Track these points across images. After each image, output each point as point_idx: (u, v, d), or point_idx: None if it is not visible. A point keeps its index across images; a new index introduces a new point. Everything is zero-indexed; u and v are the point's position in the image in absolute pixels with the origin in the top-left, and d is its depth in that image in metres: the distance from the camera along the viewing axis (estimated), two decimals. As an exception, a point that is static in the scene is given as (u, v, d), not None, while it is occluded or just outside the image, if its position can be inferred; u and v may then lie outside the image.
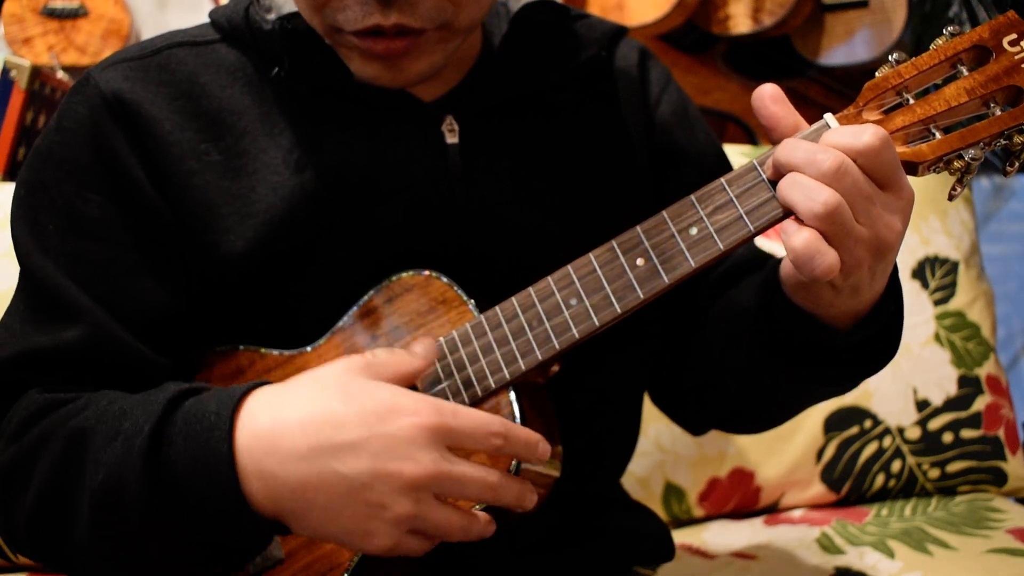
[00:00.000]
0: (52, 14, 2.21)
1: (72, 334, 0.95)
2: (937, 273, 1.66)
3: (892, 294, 0.91)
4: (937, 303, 1.64)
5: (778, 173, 0.82)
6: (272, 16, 1.00)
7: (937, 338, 1.63)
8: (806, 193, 0.79)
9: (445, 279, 0.97)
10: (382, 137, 1.01)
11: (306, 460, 0.79)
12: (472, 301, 0.96)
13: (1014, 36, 0.81)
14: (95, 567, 0.90)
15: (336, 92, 1.01)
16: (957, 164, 0.80)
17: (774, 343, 0.95)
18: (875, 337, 0.93)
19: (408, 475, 0.78)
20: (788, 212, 0.82)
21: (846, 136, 0.80)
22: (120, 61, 1.02)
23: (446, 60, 0.98)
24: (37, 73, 1.90)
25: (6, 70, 1.86)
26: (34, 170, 1.01)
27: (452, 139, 1.02)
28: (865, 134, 0.79)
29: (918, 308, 1.64)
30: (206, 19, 1.09)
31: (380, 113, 1.02)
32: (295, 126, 1.01)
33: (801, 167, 0.80)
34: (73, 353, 0.95)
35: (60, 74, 2.09)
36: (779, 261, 0.92)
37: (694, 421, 1.22)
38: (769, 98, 0.85)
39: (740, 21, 2.23)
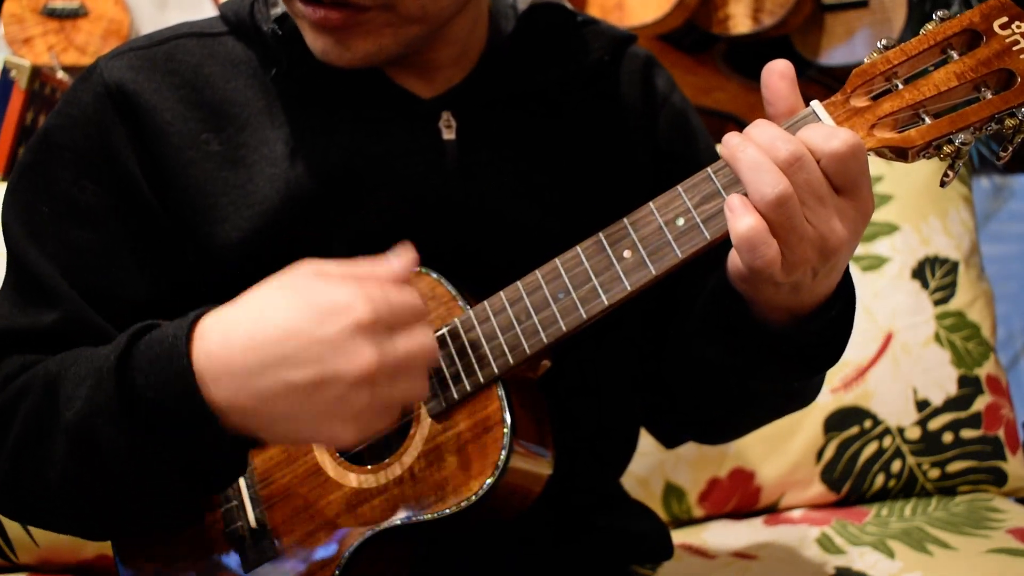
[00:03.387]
0: (52, 14, 2.22)
1: (50, 318, 0.97)
2: (937, 273, 1.65)
3: (838, 298, 0.90)
4: (937, 303, 1.64)
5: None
6: (277, 11, 1.01)
7: (937, 338, 1.63)
8: (758, 174, 0.79)
9: (434, 275, 0.97)
10: (380, 133, 1.02)
11: (257, 375, 0.80)
12: (461, 297, 0.96)
13: (1005, 19, 0.80)
14: (70, 510, 0.92)
15: (335, 89, 1.01)
16: (947, 149, 0.80)
17: (714, 334, 0.96)
18: (817, 337, 0.93)
19: (355, 372, 0.78)
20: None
21: (819, 135, 0.80)
22: (128, 50, 1.04)
23: (401, 47, 0.97)
24: (37, 73, 1.91)
25: (6, 70, 1.87)
26: (33, 153, 1.02)
27: (449, 135, 1.03)
28: (837, 139, 0.79)
29: (918, 308, 1.64)
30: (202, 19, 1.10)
31: (379, 110, 1.02)
32: (295, 120, 1.01)
33: (762, 148, 0.80)
34: (50, 335, 0.97)
35: (60, 74, 2.09)
36: None
37: (667, 431, 1.23)
38: (778, 73, 0.85)
39: (740, 21, 2.23)
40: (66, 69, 2.17)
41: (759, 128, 0.82)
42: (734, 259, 0.88)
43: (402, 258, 0.85)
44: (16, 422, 0.91)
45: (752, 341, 0.93)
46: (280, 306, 0.81)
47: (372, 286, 0.81)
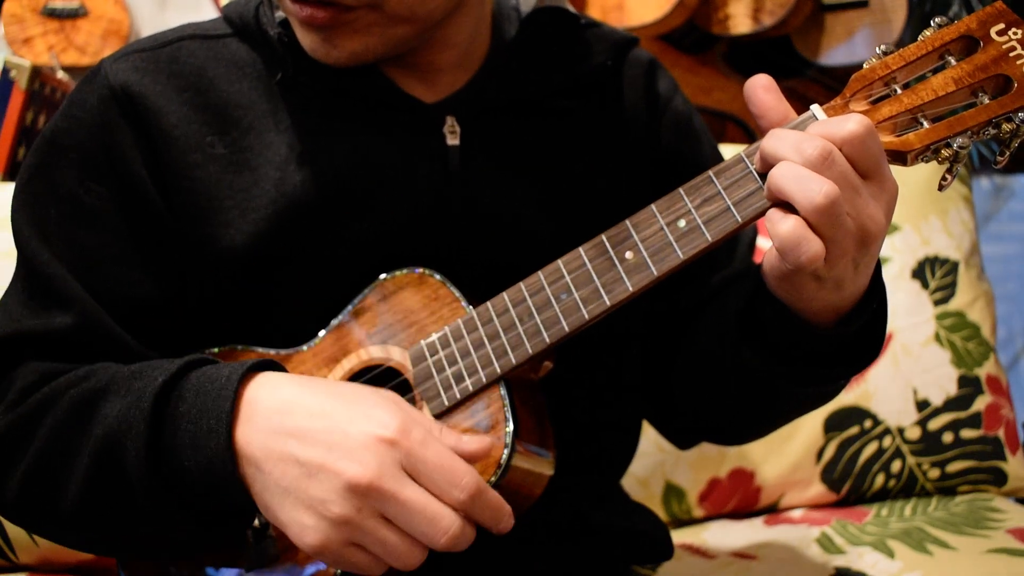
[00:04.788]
0: (52, 14, 2.22)
1: (62, 321, 0.97)
2: (937, 273, 1.65)
3: (875, 292, 0.90)
4: (937, 303, 1.64)
5: (766, 164, 0.82)
6: (282, 14, 1.01)
7: (937, 338, 1.63)
8: (803, 184, 0.78)
9: (438, 276, 0.97)
10: (384, 137, 1.02)
11: (274, 437, 0.83)
12: (464, 298, 0.96)
13: (1002, 26, 0.81)
14: (80, 531, 0.93)
15: (340, 93, 1.01)
16: (945, 152, 0.80)
17: (756, 341, 0.95)
18: (857, 335, 0.92)
19: (349, 475, 0.80)
20: (775, 203, 0.82)
21: (830, 125, 0.80)
22: (132, 52, 1.04)
23: (390, 47, 0.97)
24: (37, 73, 1.91)
25: (6, 70, 1.87)
26: (39, 155, 1.02)
27: (453, 141, 1.03)
28: (849, 122, 0.79)
29: (918, 308, 1.64)
30: (206, 19, 1.10)
31: (382, 114, 1.02)
32: (300, 124, 1.01)
33: (788, 156, 0.79)
34: (62, 339, 0.97)
35: (60, 74, 2.09)
36: (757, 270, 0.92)
37: (681, 433, 1.22)
38: (761, 87, 0.85)
39: (740, 21, 2.23)
40: (66, 69, 2.18)
41: (778, 139, 0.81)
42: (772, 266, 0.87)
43: (479, 448, 0.88)
44: (40, 435, 0.91)
45: (801, 347, 0.92)
46: (331, 393, 0.85)
47: (424, 424, 0.84)
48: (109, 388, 0.90)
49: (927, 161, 0.81)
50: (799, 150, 0.79)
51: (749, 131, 2.38)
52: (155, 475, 0.85)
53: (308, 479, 0.81)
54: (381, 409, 0.83)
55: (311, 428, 0.83)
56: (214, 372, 0.88)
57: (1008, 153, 0.80)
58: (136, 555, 1.00)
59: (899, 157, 0.82)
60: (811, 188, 0.78)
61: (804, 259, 0.79)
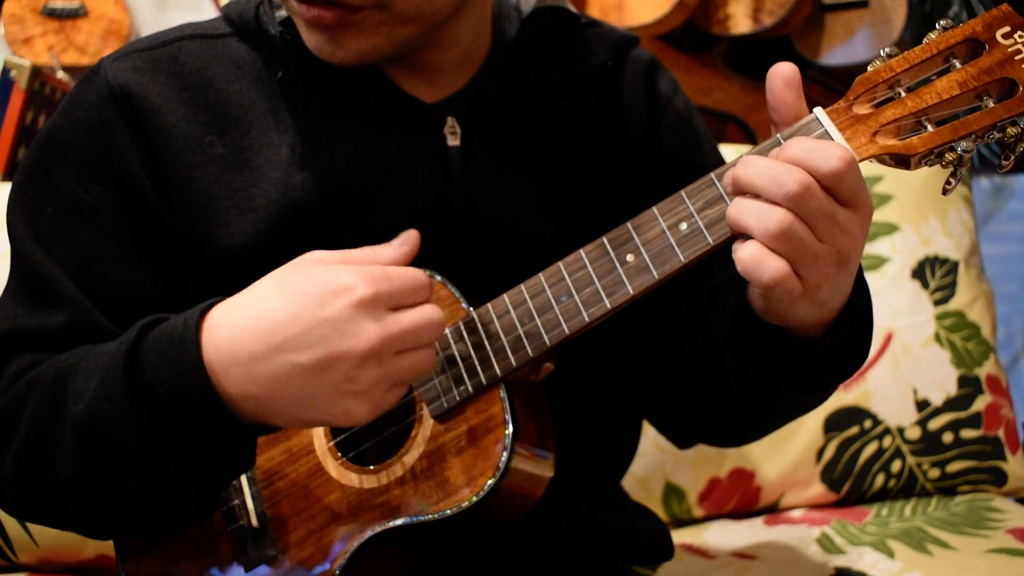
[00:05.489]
0: (52, 14, 2.22)
1: (56, 320, 0.97)
2: (937, 273, 1.65)
3: (859, 297, 0.91)
4: (937, 303, 1.64)
5: (739, 192, 0.82)
6: (282, 13, 1.01)
7: (937, 338, 1.63)
8: (760, 215, 0.79)
9: (439, 277, 0.97)
10: (384, 138, 1.02)
11: (266, 360, 0.82)
12: (464, 299, 0.96)
13: (1007, 29, 0.80)
14: (81, 506, 0.93)
15: (340, 93, 1.01)
16: (949, 156, 0.80)
17: (749, 355, 0.96)
18: (846, 340, 0.93)
19: (360, 349, 0.81)
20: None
21: (812, 157, 0.79)
22: (131, 52, 1.04)
23: (396, 47, 0.97)
24: (37, 73, 1.91)
25: (6, 70, 1.87)
26: (37, 154, 1.02)
27: (454, 141, 1.03)
28: (832, 159, 0.79)
29: (918, 308, 1.64)
30: (206, 19, 1.10)
31: (383, 114, 1.02)
32: (300, 124, 1.01)
33: (767, 188, 0.79)
34: (56, 337, 0.97)
35: (60, 74, 2.09)
36: None
37: (681, 433, 1.22)
38: (783, 79, 0.85)
39: (740, 21, 2.23)
40: (66, 69, 2.17)
41: (753, 168, 0.81)
42: (755, 298, 0.88)
43: (405, 243, 0.88)
44: (24, 418, 0.92)
45: (794, 358, 0.93)
46: (283, 292, 0.84)
47: (372, 266, 0.84)
48: (79, 365, 0.90)
49: (931, 165, 0.81)
50: (778, 183, 0.79)
51: (749, 131, 2.38)
52: (144, 439, 0.85)
53: (323, 374, 0.82)
54: (333, 275, 0.83)
55: (293, 333, 0.82)
56: (169, 326, 0.87)
57: (1013, 157, 0.80)
58: (140, 527, 1.00)
59: (903, 161, 0.81)
60: (766, 218, 0.79)
61: (765, 279, 0.80)
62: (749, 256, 0.80)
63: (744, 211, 0.80)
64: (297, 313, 0.82)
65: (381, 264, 0.86)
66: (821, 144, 0.80)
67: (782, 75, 0.85)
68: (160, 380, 0.84)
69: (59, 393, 0.90)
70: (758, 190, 0.80)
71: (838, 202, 0.80)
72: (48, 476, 0.90)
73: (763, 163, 0.80)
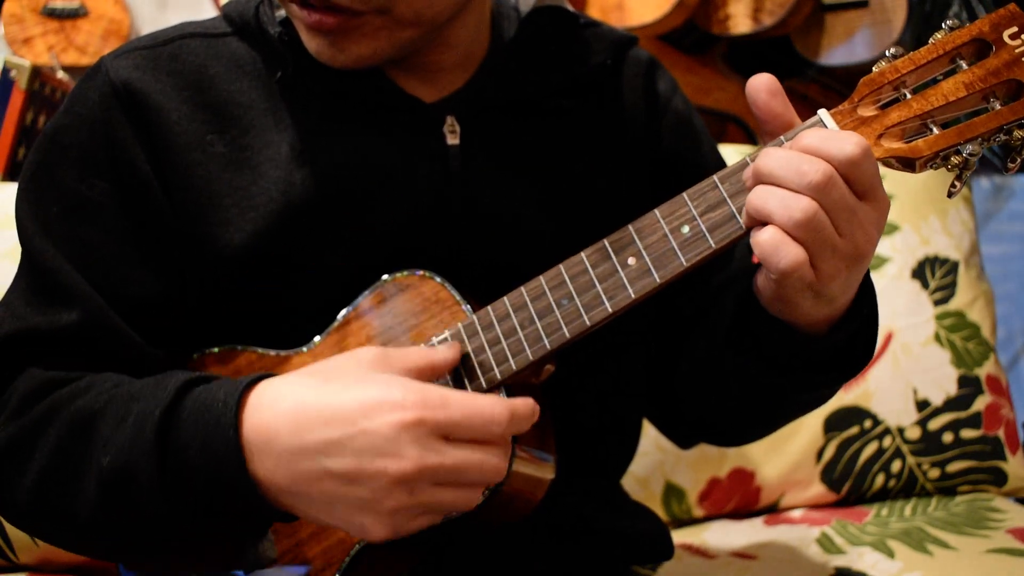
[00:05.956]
0: (52, 14, 2.21)
1: (68, 318, 0.96)
2: (937, 273, 1.65)
3: (865, 296, 0.91)
4: (937, 303, 1.64)
5: (759, 183, 0.82)
6: (282, 13, 1.01)
7: (937, 338, 1.63)
8: (783, 202, 0.79)
9: (439, 279, 0.97)
10: (384, 137, 1.02)
11: (297, 457, 0.81)
12: (465, 301, 0.96)
13: (1015, 29, 0.80)
14: (100, 544, 0.93)
15: (340, 93, 1.01)
16: (955, 160, 0.80)
17: (753, 353, 0.96)
18: (851, 339, 0.93)
19: (393, 472, 0.79)
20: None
21: (829, 144, 0.79)
22: (132, 50, 1.04)
23: (397, 50, 0.97)
24: (37, 73, 1.90)
25: (6, 70, 1.86)
26: (42, 152, 1.02)
27: (453, 140, 1.02)
28: (848, 145, 0.79)
29: (918, 308, 1.64)
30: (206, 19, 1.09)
31: (382, 114, 1.02)
32: (300, 123, 1.01)
33: (787, 180, 0.79)
34: (69, 336, 0.96)
35: (60, 74, 2.09)
36: (756, 268, 0.92)
37: (683, 433, 1.22)
38: (766, 90, 0.84)
39: (740, 21, 2.23)
40: (66, 69, 2.17)
41: (775, 160, 0.81)
42: (765, 285, 0.88)
43: (449, 345, 0.88)
44: (44, 451, 0.90)
45: (799, 357, 0.93)
46: (332, 389, 0.83)
47: (432, 387, 0.82)
48: (107, 408, 0.89)
49: (936, 168, 0.80)
50: (800, 173, 0.79)
51: (749, 131, 2.38)
52: (170, 501, 0.84)
53: (351, 486, 0.80)
54: (387, 389, 0.81)
55: (332, 438, 0.80)
56: (210, 395, 0.85)
57: (1019, 160, 0.79)
58: (151, 569, 1.01)
59: (908, 164, 0.81)
60: (790, 206, 0.78)
61: (783, 264, 0.79)
62: (768, 240, 0.79)
63: (767, 198, 0.80)
64: (340, 417, 0.80)
65: (421, 364, 0.84)
66: (836, 133, 0.80)
67: (763, 87, 0.85)
68: (194, 453, 0.83)
69: (86, 433, 0.89)
70: (780, 180, 0.80)
71: (856, 195, 0.80)
72: (67, 513, 0.90)
73: (784, 153, 0.80)
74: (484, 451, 0.82)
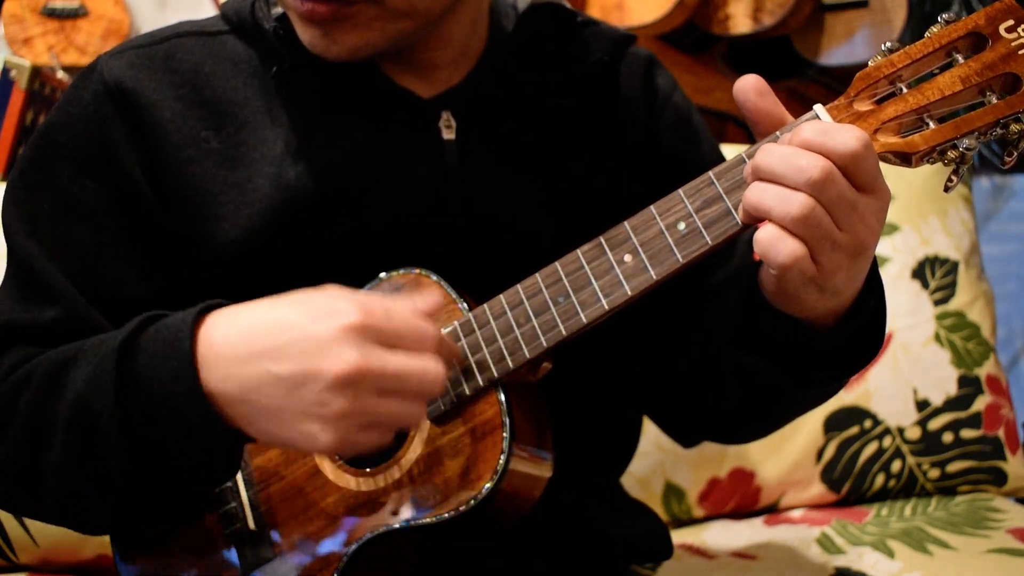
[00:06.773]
0: (52, 14, 2.22)
1: (50, 315, 0.98)
2: (937, 273, 1.65)
3: (872, 289, 0.90)
4: (937, 303, 1.64)
5: (758, 176, 0.82)
6: (278, 10, 1.01)
7: (937, 338, 1.63)
8: (781, 198, 0.79)
9: (435, 277, 0.97)
10: (380, 133, 1.02)
11: (247, 363, 0.82)
12: (461, 299, 0.96)
13: (1011, 23, 0.79)
14: (64, 497, 0.91)
15: (336, 89, 1.01)
16: (952, 154, 0.79)
17: (755, 349, 0.95)
18: (856, 333, 0.92)
19: (333, 373, 0.79)
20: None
21: (829, 138, 0.79)
22: (127, 49, 1.04)
23: (390, 42, 0.97)
24: (37, 73, 1.91)
25: (6, 70, 1.87)
26: (34, 149, 1.03)
27: (449, 135, 1.02)
28: (849, 139, 0.78)
29: (918, 308, 1.64)
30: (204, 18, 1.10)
31: (379, 109, 1.02)
32: (295, 120, 1.01)
33: (785, 176, 0.79)
34: (50, 332, 0.97)
35: (60, 74, 2.09)
36: (758, 265, 0.92)
37: (685, 431, 1.22)
38: (754, 91, 0.84)
39: (740, 21, 2.23)
40: (66, 69, 2.17)
41: (773, 156, 0.80)
42: (768, 279, 0.88)
43: (426, 297, 0.87)
44: (19, 409, 0.91)
45: (802, 354, 0.93)
46: (282, 305, 0.84)
47: (377, 299, 0.83)
48: (77, 356, 0.90)
49: (932, 162, 0.80)
50: (799, 169, 0.78)
51: (749, 131, 2.38)
52: (128, 430, 0.85)
53: (296, 390, 0.80)
54: (336, 301, 0.82)
55: (278, 343, 0.81)
56: (169, 320, 0.87)
57: (1016, 154, 0.79)
58: (123, 523, 0.99)
59: (904, 159, 0.81)
60: (788, 201, 0.78)
61: (781, 258, 0.79)
62: (766, 236, 0.80)
63: (764, 195, 0.80)
64: (286, 324, 0.82)
65: (400, 308, 0.84)
66: (836, 126, 0.79)
67: (751, 88, 0.85)
68: (150, 367, 0.84)
69: (57, 383, 0.90)
70: (778, 177, 0.79)
71: (856, 188, 0.80)
72: (36, 467, 0.90)
73: (783, 149, 0.80)
74: (423, 359, 0.82)
